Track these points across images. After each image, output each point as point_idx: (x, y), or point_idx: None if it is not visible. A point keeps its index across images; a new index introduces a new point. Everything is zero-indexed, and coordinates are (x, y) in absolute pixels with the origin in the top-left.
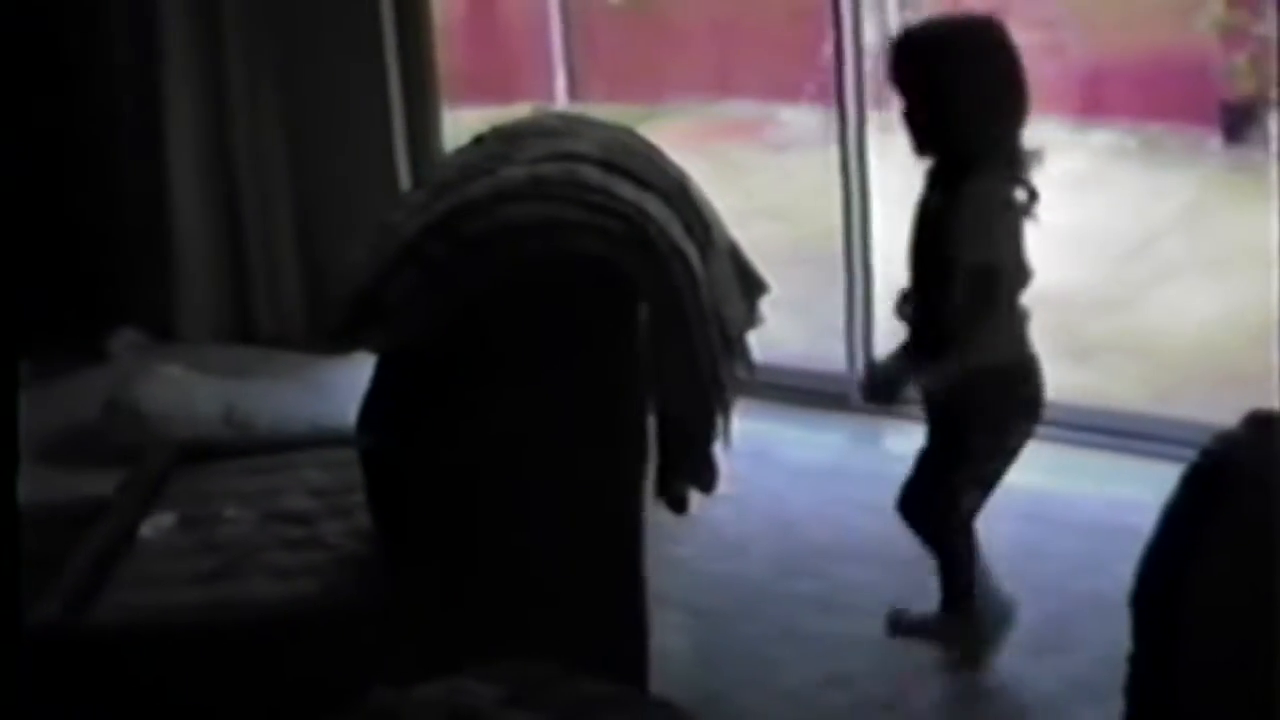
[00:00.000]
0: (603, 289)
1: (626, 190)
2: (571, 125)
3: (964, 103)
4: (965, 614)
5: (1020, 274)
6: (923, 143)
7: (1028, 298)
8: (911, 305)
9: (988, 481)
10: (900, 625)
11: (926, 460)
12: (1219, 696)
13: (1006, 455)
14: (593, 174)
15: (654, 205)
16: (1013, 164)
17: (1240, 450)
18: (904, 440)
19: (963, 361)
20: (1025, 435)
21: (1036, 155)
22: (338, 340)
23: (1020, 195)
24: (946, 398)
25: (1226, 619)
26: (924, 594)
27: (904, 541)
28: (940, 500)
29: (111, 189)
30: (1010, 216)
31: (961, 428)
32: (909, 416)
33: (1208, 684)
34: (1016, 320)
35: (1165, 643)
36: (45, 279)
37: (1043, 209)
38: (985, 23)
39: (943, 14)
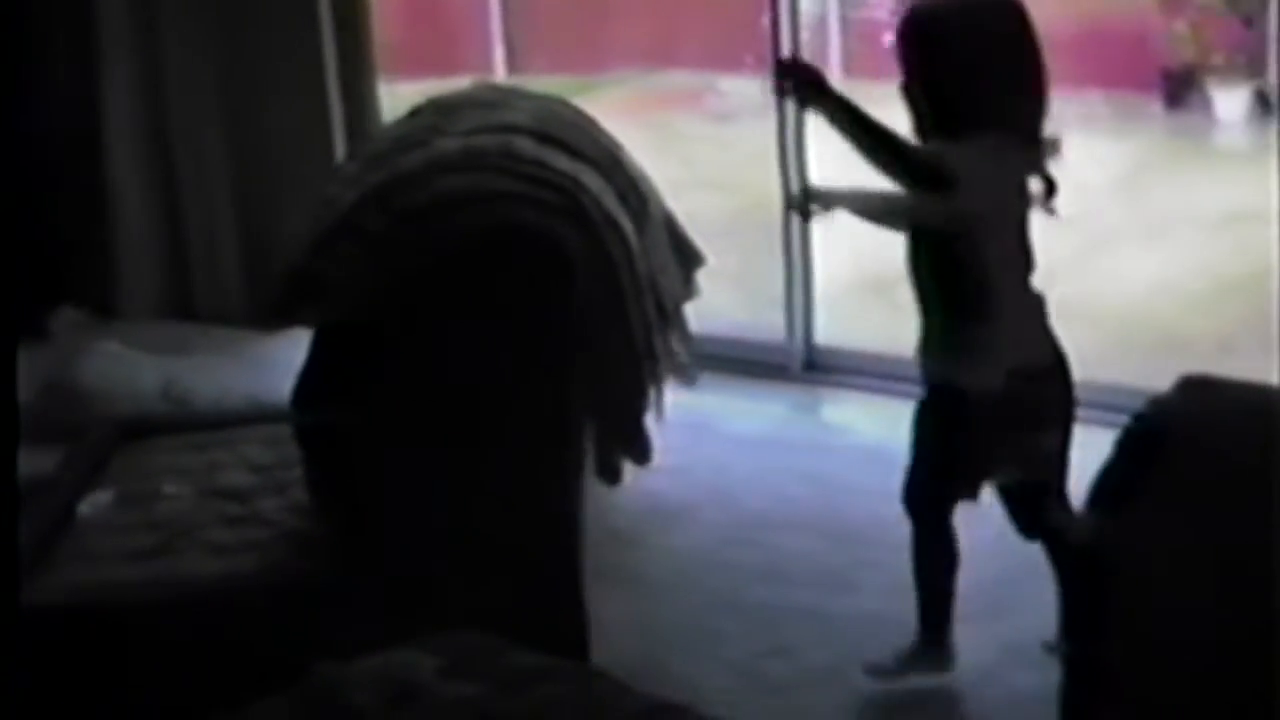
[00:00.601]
0: (537, 260)
1: (560, 161)
2: (506, 97)
3: (978, 86)
4: (943, 643)
5: (1025, 259)
6: (926, 126)
7: None
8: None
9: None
10: (881, 672)
11: (932, 450)
12: (1153, 661)
13: (1033, 458)
14: (527, 145)
15: (588, 176)
16: (1026, 150)
17: (1174, 414)
18: (842, 410)
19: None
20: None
21: (1054, 145)
22: (273, 316)
23: (1033, 184)
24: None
25: (1160, 582)
26: (863, 565)
27: (844, 511)
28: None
29: (48, 166)
30: (1012, 193)
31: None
32: (849, 386)
33: (1142, 650)
34: (1031, 312)
35: (1098, 607)
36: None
37: None
38: (1005, 4)
39: None
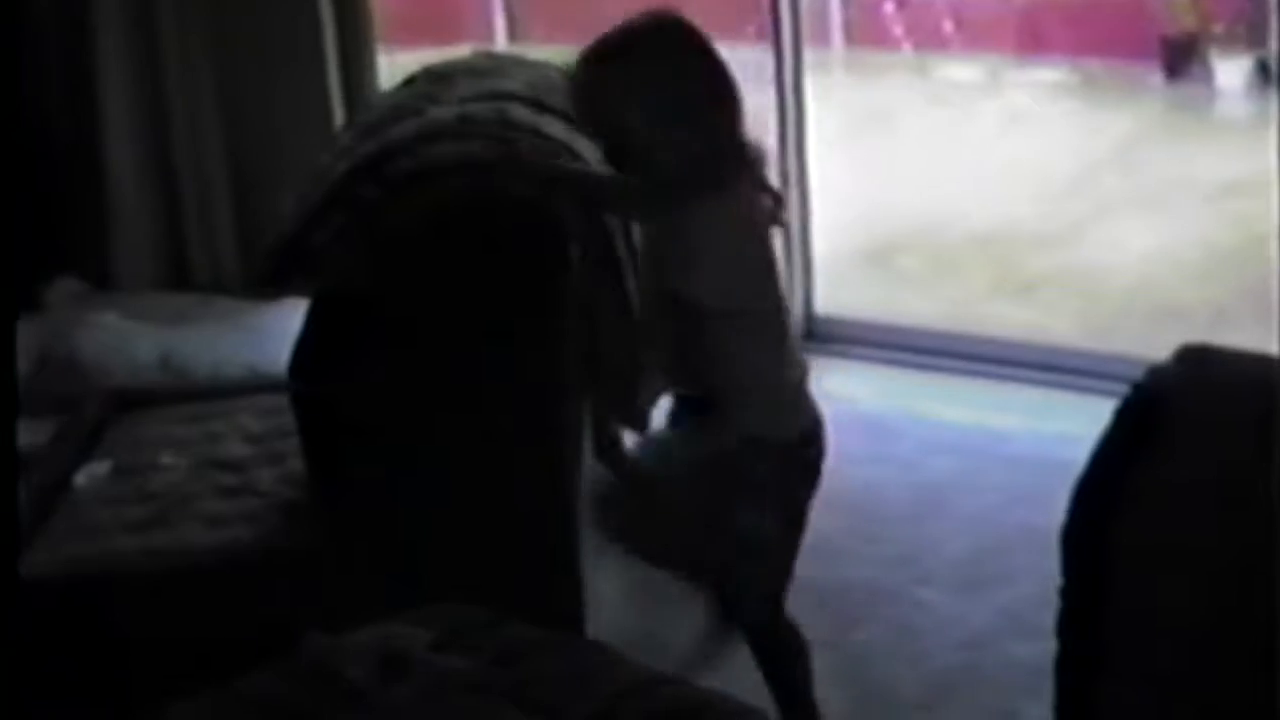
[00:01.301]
0: (532, 229)
1: (556, 129)
2: (502, 65)
3: (651, 131)
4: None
5: (775, 305)
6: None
7: (966, 236)
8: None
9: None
10: None
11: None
12: (1150, 632)
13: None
14: (522, 113)
15: (583, 144)
16: (728, 177)
17: (1172, 384)
18: (842, 379)
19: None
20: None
21: (760, 155)
22: (267, 286)
23: (760, 204)
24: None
25: (1157, 553)
26: (860, 535)
27: (843, 480)
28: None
29: (44, 138)
30: (738, 239)
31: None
32: (849, 355)
33: (1138, 620)
34: (788, 371)
35: (1096, 579)
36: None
37: (982, 144)
38: (657, 27)
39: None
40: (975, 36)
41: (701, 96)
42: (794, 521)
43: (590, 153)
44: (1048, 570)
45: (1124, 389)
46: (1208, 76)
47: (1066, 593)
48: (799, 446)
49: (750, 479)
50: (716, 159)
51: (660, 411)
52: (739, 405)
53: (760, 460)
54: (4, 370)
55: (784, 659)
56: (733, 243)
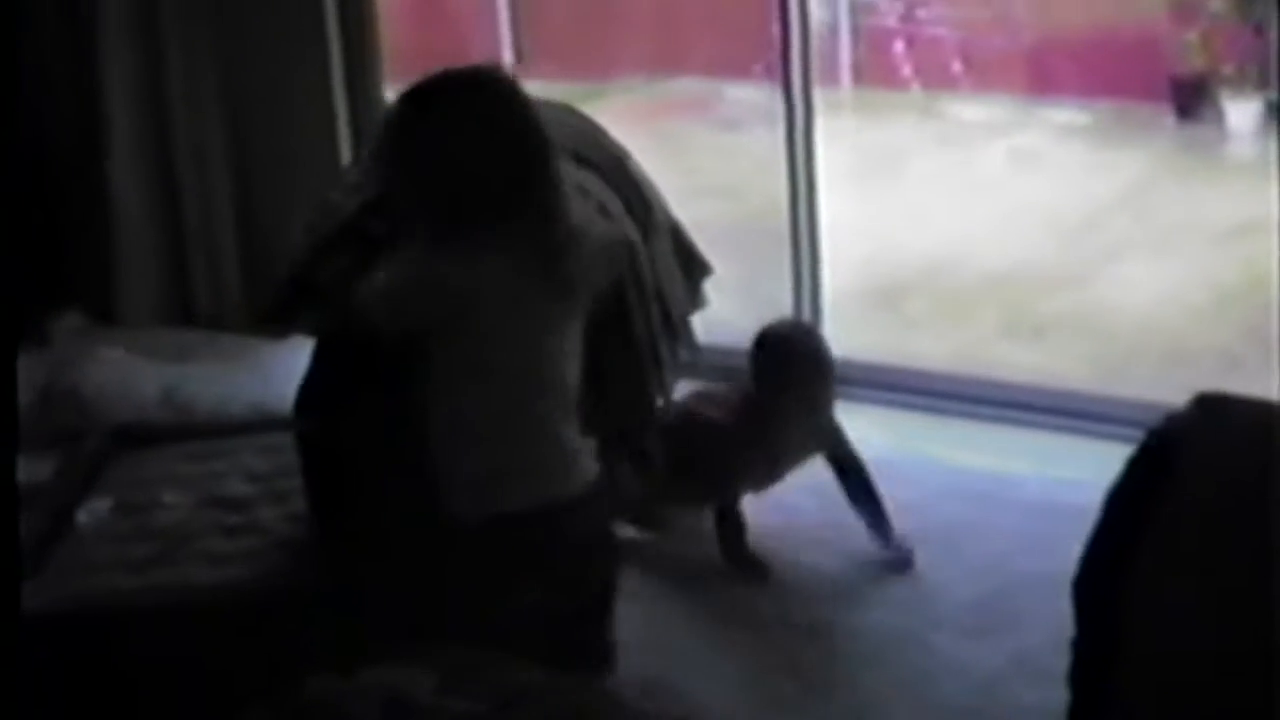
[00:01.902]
0: None
1: (565, 167)
2: None
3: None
4: None
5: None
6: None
7: (976, 278)
8: None
9: None
10: None
11: None
12: (1163, 682)
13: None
14: None
15: (593, 183)
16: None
17: (1187, 432)
18: (851, 422)
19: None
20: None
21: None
22: (274, 323)
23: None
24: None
25: (1172, 604)
26: (871, 580)
27: (853, 525)
28: None
29: (50, 171)
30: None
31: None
32: (858, 398)
33: (1152, 671)
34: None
35: (1109, 628)
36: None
37: (992, 185)
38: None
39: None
40: (984, 77)
41: (489, 152)
42: None
43: (600, 191)
44: (1058, 616)
45: (1135, 433)
46: (1218, 117)
47: (1079, 643)
48: None
49: None
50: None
51: None
52: None
53: None
54: (4, 404)
55: None
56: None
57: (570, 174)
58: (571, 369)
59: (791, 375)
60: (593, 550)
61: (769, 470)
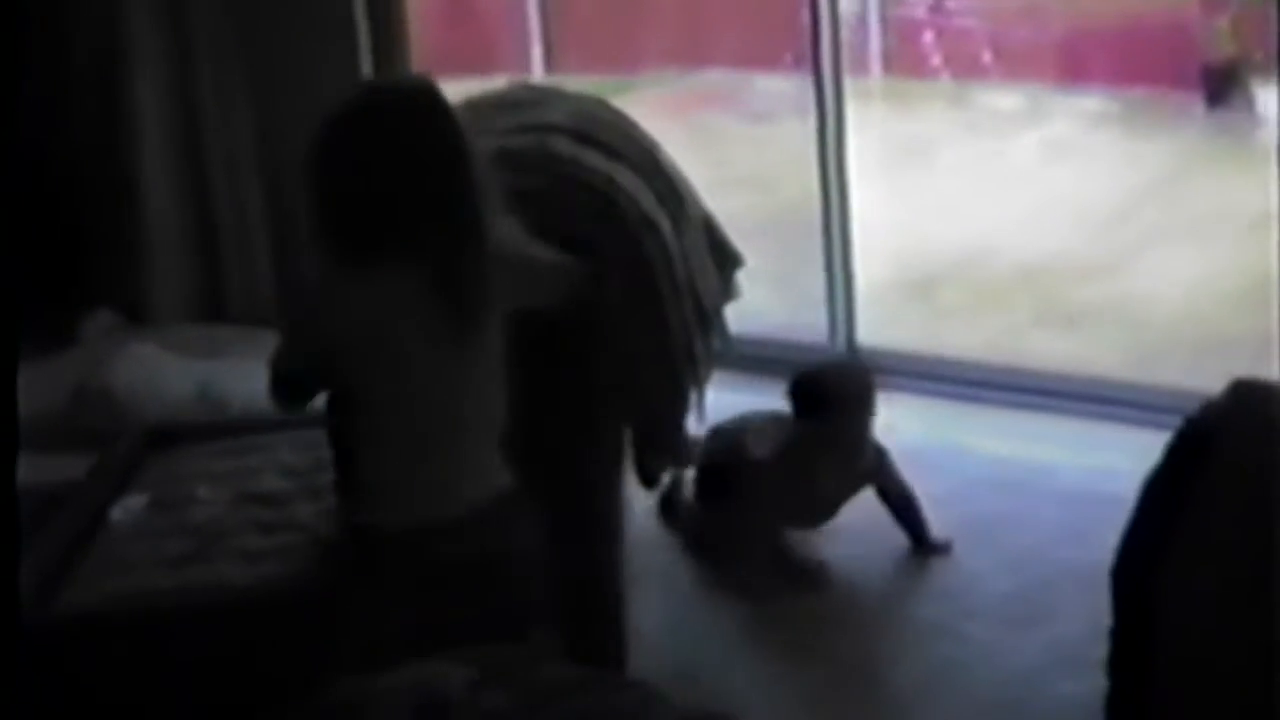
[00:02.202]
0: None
1: (597, 161)
2: (542, 97)
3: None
4: None
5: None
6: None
7: (1008, 267)
8: None
9: None
10: None
11: None
12: (1201, 670)
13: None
14: (563, 145)
15: (625, 176)
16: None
17: (1223, 419)
18: (885, 411)
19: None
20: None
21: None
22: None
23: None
24: None
25: (1209, 591)
26: (902, 570)
27: (885, 514)
28: None
29: (79, 169)
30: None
31: None
32: (891, 387)
33: (1189, 657)
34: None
35: (1146, 616)
36: (17, 263)
37: (1023, 174)
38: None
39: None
40: (1014, 66)
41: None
42: None
43: (631, 183)
44: (1094, 606)
45: (1169, 421)
46: (1249, 104)
47: (1116, 632)
48: None
49: None
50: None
51: None
52: None
53: None
54: (4, 407)
55: None
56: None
57: (600, 165)
58: (484, 390)
59: (828, 416)
60: (495, 568)
61: (810, 507)
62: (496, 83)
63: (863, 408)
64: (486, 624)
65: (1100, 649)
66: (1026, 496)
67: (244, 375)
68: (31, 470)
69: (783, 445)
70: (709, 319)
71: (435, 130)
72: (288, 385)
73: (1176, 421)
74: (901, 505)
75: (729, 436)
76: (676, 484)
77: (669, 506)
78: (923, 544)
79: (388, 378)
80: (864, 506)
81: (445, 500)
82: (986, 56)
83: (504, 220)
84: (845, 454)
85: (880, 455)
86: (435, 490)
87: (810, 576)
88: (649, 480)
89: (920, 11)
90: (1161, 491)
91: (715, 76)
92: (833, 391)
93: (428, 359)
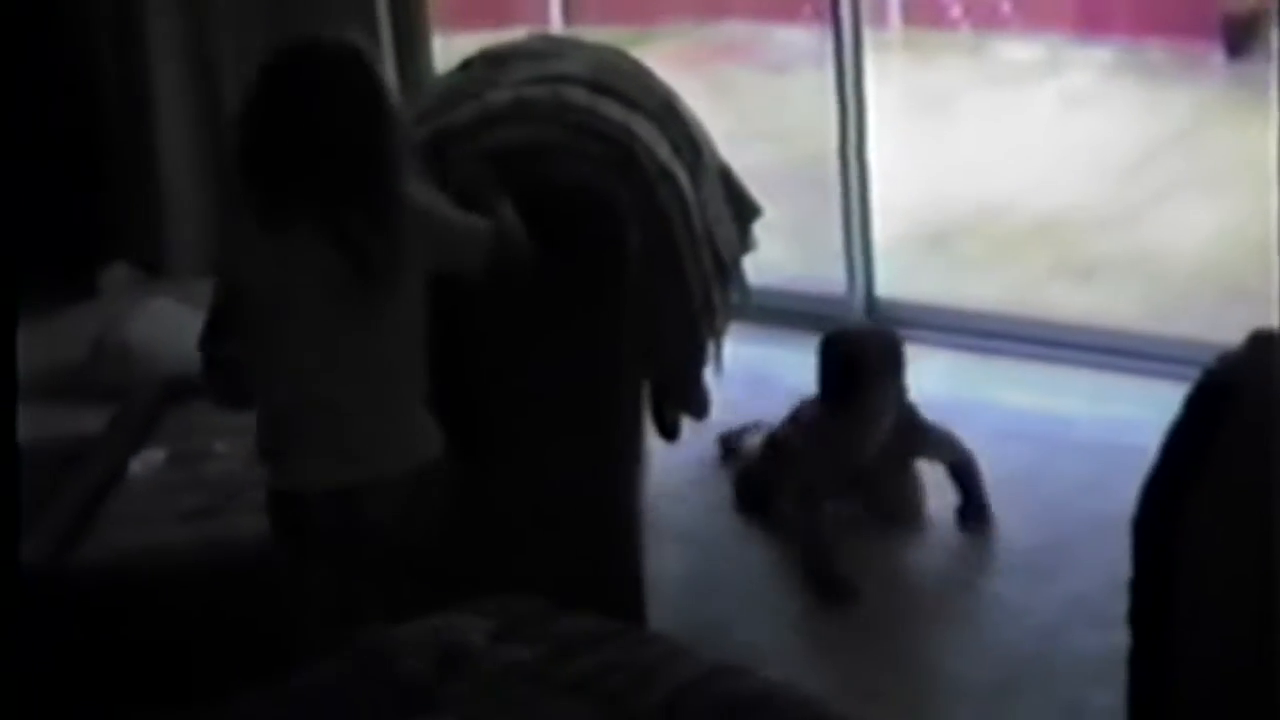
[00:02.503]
0: (591, 215)
1: (614, 111)
2: (559, 47)
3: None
4: None
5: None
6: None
7: (1027, 219)
8: None
9: None
10: None
11: None
12: (1222, 623)
13: None
14: (579, 95)
15: (642, 126)
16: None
17: (1243, 370)
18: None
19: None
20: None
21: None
22: None
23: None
24: None
25: (1229, 543)
26: (932, 527)
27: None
28: None
29: (98, 124)
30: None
31: None
32: (910, 339)
33: (1210, 609)
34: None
35: (1167, 568)
36: (33, 216)
37: (1042, 126)
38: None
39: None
40: (1033, 17)
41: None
42: None
43: (648, 133)
44: (1115, 558)
45: (1189, 372)
46: (1269, 55)
47: (1137, 584)
48: None
49: None
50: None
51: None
52: None
53: None
54: (4, 369)
55: None
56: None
57: (616, 115)
58: (399, 354)
59: (854, 384)
60: (413, 532)
61: (853, 484)
62: (514, 34)
63: (888, 374)
64: (405, 590)
65: (1121, 601)
66: (1045, 448)
67: None
68: (50, 423)
69: (813, 424)
70: (727, 270)
71: (353, 89)
72: (214, 334)
73: (1195, 373)
74: (960, 472)
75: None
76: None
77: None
78: (968, 516)
79: (297, 337)
80: None
81: (361, 464)
82: (1006, 7)
83: (422, 185)
84: (879, 426)
85: (923, 425)
86: (351, 454)
87: (840, 593)
88: (668, 432)
89: None
90: (1182, 443)
91: (734, 28)
92: (857, 360)
93: (335, 319)
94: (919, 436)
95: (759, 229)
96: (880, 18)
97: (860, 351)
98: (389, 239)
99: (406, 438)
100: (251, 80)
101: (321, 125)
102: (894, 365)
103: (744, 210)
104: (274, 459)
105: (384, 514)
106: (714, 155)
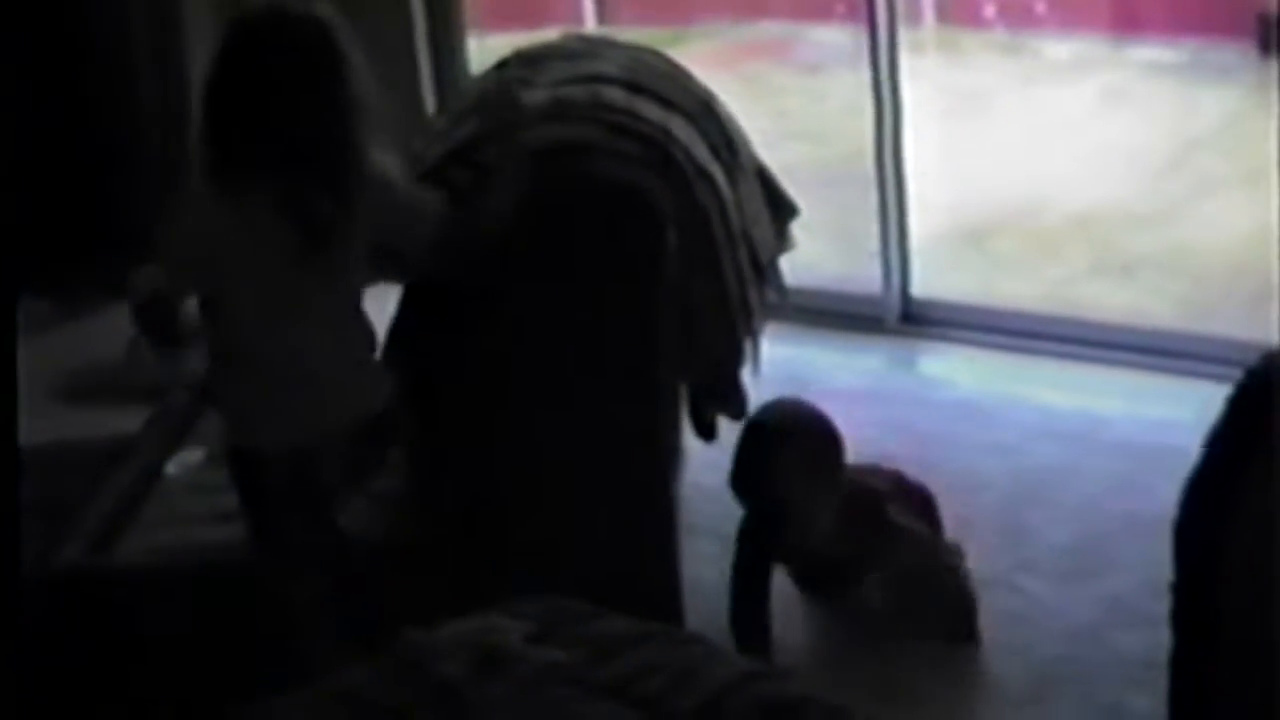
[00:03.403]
0: (625, 215)
1: (651, 111)
2: (595, 47)
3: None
4: None
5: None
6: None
7: (1064, 217)
8: None
9: None
10: None
11: None
12: (1266, 623)
13: None
14: (616, 95)
15: (679, 126)
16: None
17: None
18: (940, 363)
19: None
20: None
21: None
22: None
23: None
24: None
25: (1275, 542)
26: (959, 520)
27: (941, 465)
28: None
29: (136, 123)
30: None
31: None
32: (947, 338)
33: (1254, 611)
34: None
35: (1211, 570)
36: (71, 215)
37: (1078, 125)
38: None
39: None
40: (1068, 16)
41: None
42: None
43: (685, 133)
44: (1152, 559)
45: (1225, 372)
46: None
47: (1180, 585)
48: None
49: None
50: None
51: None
52: None
53: None
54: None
55: None
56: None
57: (654, 115)
58: (346, 317)
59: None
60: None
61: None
62: (547, 34)
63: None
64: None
65: (1156, 602)
66: (1082, 448)
67: None
68: (87, 424)
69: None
70: (764, 269)
71: (313, 60)
72: (152, 306)
73: (1232, 372)
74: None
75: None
76: None
77: None
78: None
79: (248, 298)
80: (914, 448)
81: (310, 422)
82: (1040, 6)
83: (385, 156)
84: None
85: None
86: (300, 413)
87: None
88: (705, 432)
89: None
90: (1225, 442)
91: (768, 27)
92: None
93: (286, 281)
94: (884, 538)
95: (795, 228)
96: (914, 16)
97: (767, 442)
98: (342, 211)
99: (357, 395)
100: (216, 45)
101: (278, 94)
102: (810, 458)
103: (781, 210)
104: (230, 415)
105: (337, 468)
106: (751, 155)
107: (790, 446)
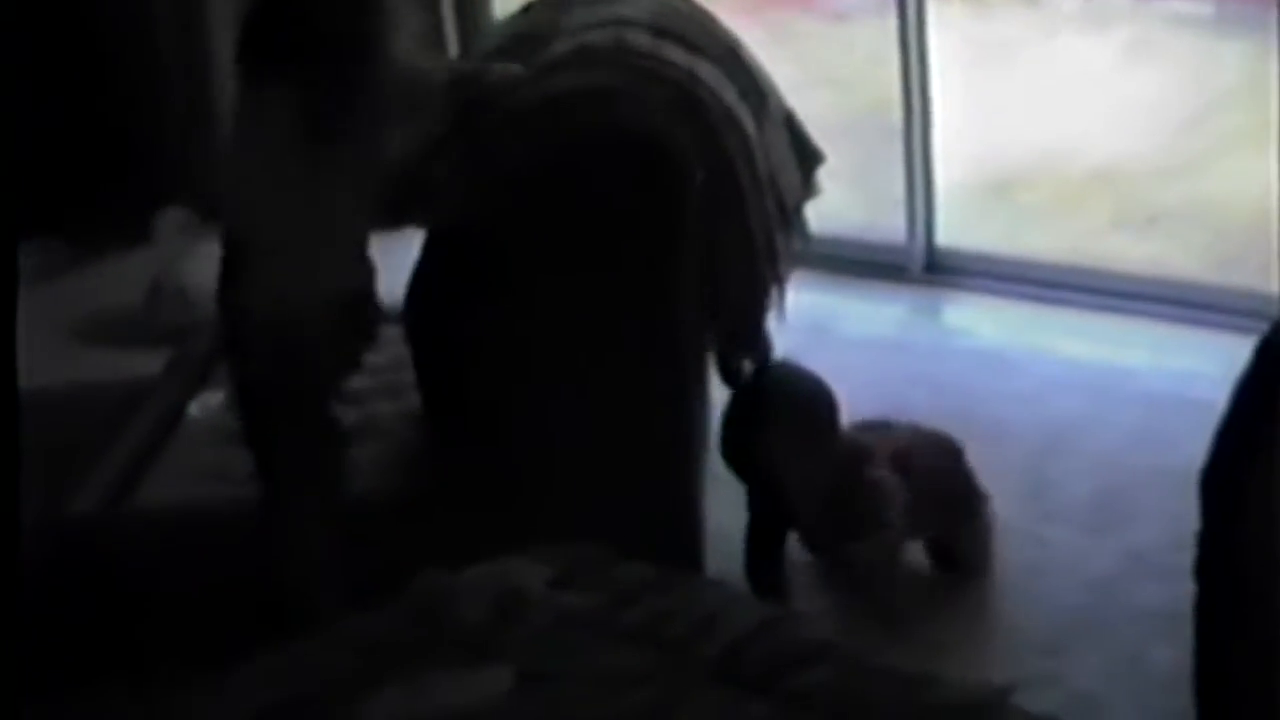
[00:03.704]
0: (653, 160)
1: (677, 55)
2: None
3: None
4: None
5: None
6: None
7: (1088, 169)
8: None
9: None
10: None
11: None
12: None
13: None
14: (642, 39)
15: (705, 70)
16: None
17: None
18: (963, 313)
19: None
20: None
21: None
22: (383, 218)
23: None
24: None
25: None
26: (982, 470)
27: (963, 415)
28: None
29: (156, 66)
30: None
31: None
32: (970, 288)
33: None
34: None
35: (1236, 521)
36: (90, 160)
37: (1103, 77)
38: None
39: None
40: None
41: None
42: None
43: (712, 77)
44: (1175, 511)
45: (1249, 323)
46: None
47: (1205, 537)
48: None
49: None
50: None
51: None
52: None
53: None
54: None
55: None
56: None
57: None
58: (352, 198)
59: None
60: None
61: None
62: None
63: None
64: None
65: (1179, 555)
66: (1106, 400)
67: None
68: (106, 367)
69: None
70: (789, 216)
71: None
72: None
73: (1256, 324)
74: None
75: None
76: None
77: None
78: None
79: (258, 177)
80: (938, 400)
81: (306, 289)
82: None
83: (418, 51)
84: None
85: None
86: (298, 281)
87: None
88: (731, 378)
89: None
90: (1252, 394)
91: None
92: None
93: (291, 172)
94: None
95: (820, 176)
96: None
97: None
98: (360, 94)
99: (350, 270)
100: None
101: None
102: (797, 430)
103: (807, 156)
104: (238, 279)
105: (324, 330)
106: (780, 102)
107: (777, 421)
